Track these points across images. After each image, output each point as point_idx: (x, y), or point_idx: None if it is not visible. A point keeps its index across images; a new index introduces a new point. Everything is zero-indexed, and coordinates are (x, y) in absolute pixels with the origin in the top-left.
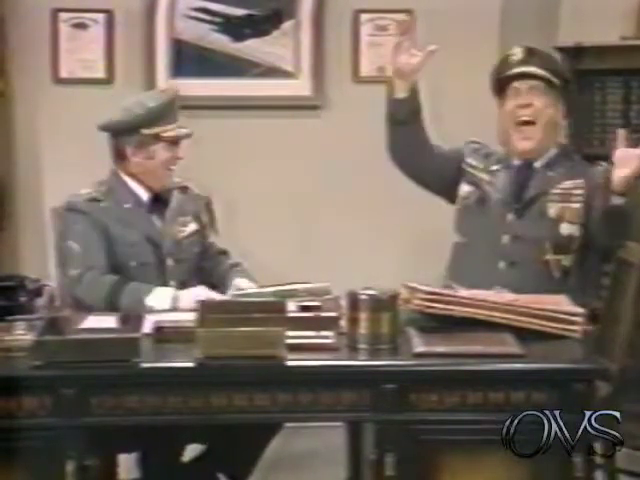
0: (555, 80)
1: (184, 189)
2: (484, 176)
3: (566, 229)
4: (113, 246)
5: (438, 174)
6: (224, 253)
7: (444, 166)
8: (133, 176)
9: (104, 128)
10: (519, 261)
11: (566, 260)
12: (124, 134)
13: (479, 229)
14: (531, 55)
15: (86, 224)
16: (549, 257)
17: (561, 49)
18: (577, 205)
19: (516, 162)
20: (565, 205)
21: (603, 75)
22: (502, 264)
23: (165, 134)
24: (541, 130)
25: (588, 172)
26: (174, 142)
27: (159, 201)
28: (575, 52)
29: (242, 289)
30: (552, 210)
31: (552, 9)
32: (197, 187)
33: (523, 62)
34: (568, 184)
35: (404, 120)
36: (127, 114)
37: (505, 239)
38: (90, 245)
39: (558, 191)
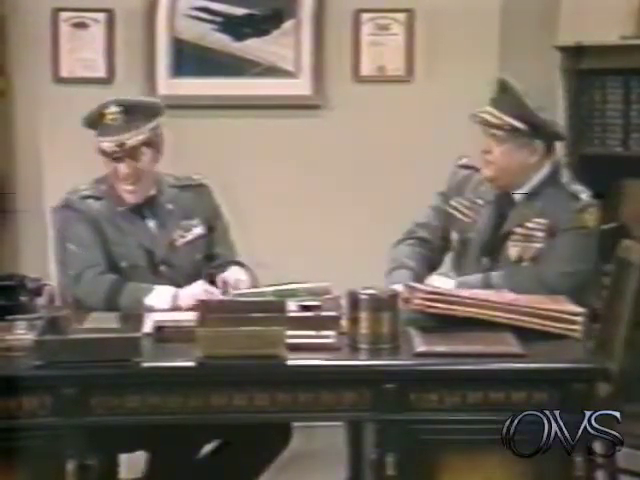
0: (519, 125)
1: (200, 187)
2: (467, 216)
3: None
4: (107, 245)
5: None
6: (238, 264)
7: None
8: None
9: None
10: None
11: None
12: None
13: (462, 270)
14: (502, 94)
15: (82, 224)
16: None
17: (561, 48)
18: (537, 245)
19: (496, 194)
20: (525, 245)
21: (603, 75)
22: None
23: (99, 144)
24: (500, 171)
25: (562, 212)
26: (108, 155)
27: (153, 204)
28: (575, 51)
29: (238, 279)
30: (513, 251)
31: (552, 9)
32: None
33: (493, 102)
34: (532, 223)
35: None
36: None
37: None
38: (87, 245)
39: (521, 230)
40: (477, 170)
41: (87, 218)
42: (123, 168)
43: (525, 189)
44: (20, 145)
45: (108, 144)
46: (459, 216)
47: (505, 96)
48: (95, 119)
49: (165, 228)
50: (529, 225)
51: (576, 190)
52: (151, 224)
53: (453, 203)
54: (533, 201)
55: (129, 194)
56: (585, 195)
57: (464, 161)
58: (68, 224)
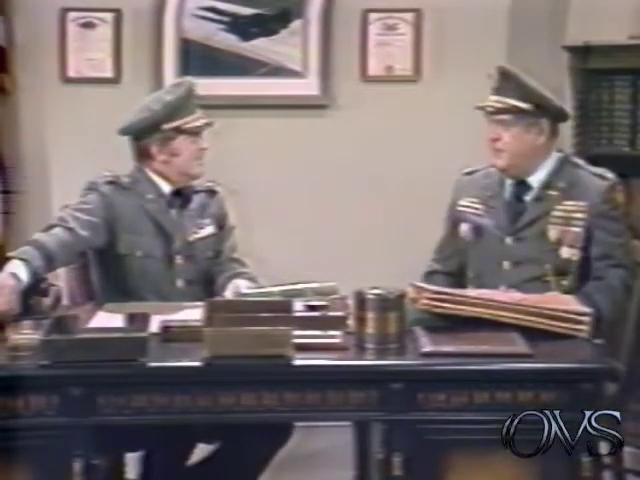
0: (525, 106)
1: (212, 193)
2: (478, 209)
3: (566, 252)
4: (118, 235)
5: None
6: (237, 260)
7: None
8: (158, 172)
9: (125, 132)
10: (520, 284)
11: (566, 280)
12: (145, 134)
13: (481, 261)
14: (504, 81)
15: (97, 202)
16: (550, 278)
17: (569, 48)
18: (577, 229)
19: (509, 182)
20: (565, 228)
21: (611, 74)
22: (502, 288)
23: (186, 126)
24: (511, 157)
25: (591, 188)
26: (196, 133)
27: (180, 197)
28: (583, 51)
29: (239, 290)
30: (552, 232)
31: (560, 8)
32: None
33: (496, 90)
34: (569, 205)
35: None
36: (145, 113)
37: (506, 265)
38: (85, 209)
39: (559, 213)
40: (480, 170)
41: (105, 202)
42: (204, 143)
43: (539, 176)
44: (27, 144)
45: (202, 120)
46: (470, 210)
47: (507, 82)
48: (183, 101)
49: (183, 221)
50: (567, 207)
51: (598, 170)
52: (174, 213)
53: (463, 203)
54: (554, 183)
55: (198, 167)
56: (609, 174)
57: (467, 170)
58: (83, 196)
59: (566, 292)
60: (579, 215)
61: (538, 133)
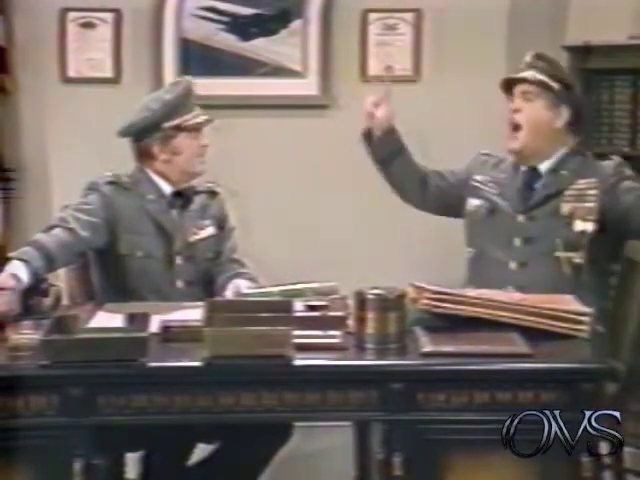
0: (553, 84)
1: (213, 194)
2: (492, 188)
3: (579, 225)
4: (118, 235)
5: (439, 203)
6: (237, 261)
7: (446, 194)
8: (159, 173)
9: (125, 133)
10: (530, 261)
11: (577, 257)
12: (146, 134)
13: (490, 238)
14: (537, 60)
15: (98, 202)
16: (560, 254)
17: (569, 48)
18: (591, 204)
19: (523, 168)
20: (579, 205)
21: (611, 74)
22: (513, 265)
23: (186, 123)
24: (528, 133)
25: (599, 169)
26: (197, 130)
27: (181, 198)
28: (583, 51)
29: (240, 290)
30: (565, 209)
31: (560, 8)
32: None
33: (526, 67)
34: (582, 183)
35: (384, 159)
36: (145, 112)
37: (517, 242)
38: (85, 210)
39: (572, 192)
40: (496, 157)
41: (106, 202)
42: (206, 140)
43: (549, 164)
44: (27, 144)
45: (202, 117)
46: (482, 187)
47: (540, 62)
48: (182, 100)
49: (184, 221)
50: (580, 185)
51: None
52: (175, 213)
53: (477, 177)
54: (564, 167)
55: (200, 165)
56: (615, 156)
57: (485, 151)
58: (84, 196)
59: (576, 267)
60: (592, 192)
61: (556, 116)
